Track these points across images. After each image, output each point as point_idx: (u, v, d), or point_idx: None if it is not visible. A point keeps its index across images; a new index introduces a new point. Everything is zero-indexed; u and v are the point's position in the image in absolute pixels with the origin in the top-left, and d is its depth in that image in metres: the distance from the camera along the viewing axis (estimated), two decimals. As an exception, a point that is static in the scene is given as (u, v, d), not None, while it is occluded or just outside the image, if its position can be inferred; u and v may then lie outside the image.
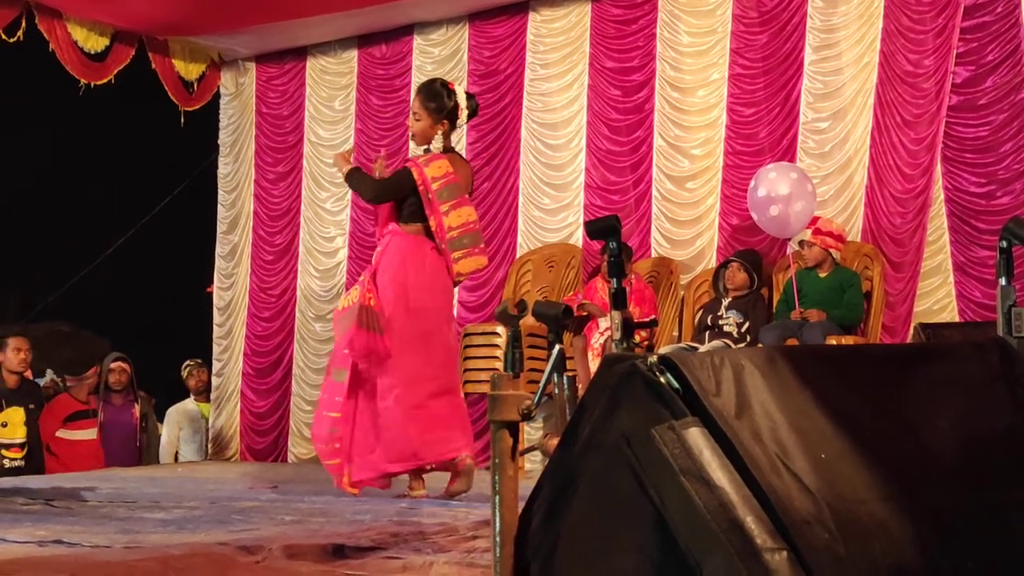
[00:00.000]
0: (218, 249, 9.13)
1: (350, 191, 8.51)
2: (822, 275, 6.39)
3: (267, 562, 3.26)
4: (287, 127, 8.91)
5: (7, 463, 7.12)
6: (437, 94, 5.19)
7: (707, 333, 6.46)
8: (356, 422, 5.08)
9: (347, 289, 5.26)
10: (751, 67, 7.12)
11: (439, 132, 5.21)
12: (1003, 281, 2.68)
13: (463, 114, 5.21)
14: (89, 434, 7.75)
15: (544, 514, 2.11)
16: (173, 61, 8.63)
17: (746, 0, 7.13)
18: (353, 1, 7.92)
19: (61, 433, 7.68)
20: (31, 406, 7.34)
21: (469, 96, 5.26)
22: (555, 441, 2.21)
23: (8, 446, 7.19)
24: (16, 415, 7.25)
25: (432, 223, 5.10)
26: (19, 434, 7.23)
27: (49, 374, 8.38)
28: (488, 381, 2.36)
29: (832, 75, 6.88)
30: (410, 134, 5.37)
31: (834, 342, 5.91)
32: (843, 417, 1.97)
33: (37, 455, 7.37)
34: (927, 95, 6.52)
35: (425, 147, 5.25)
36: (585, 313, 6.71)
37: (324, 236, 8.68)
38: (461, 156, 5.53)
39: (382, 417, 5.04)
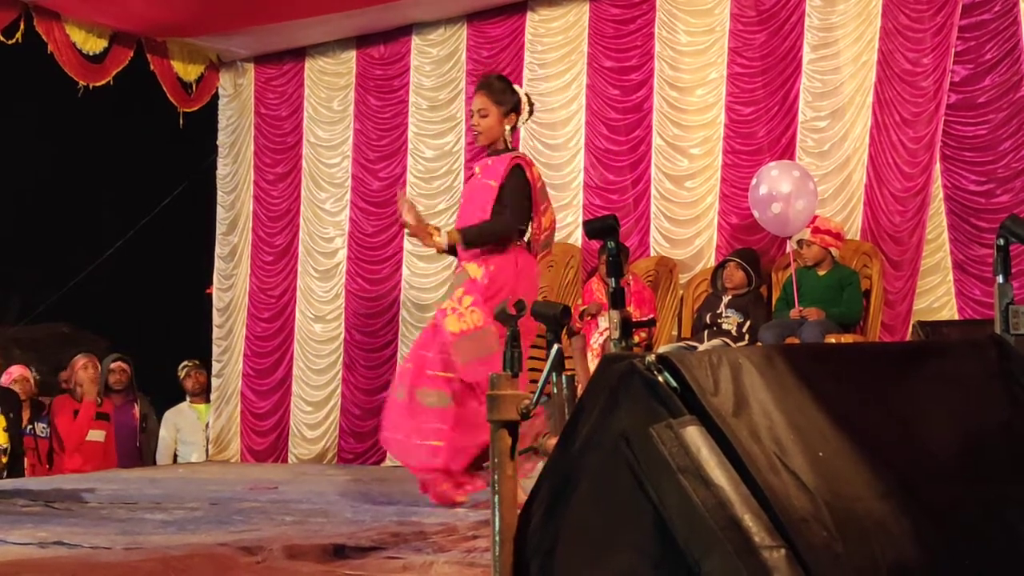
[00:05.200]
0: (217, 250, 9.13)
1: (349, 191, 8.53)
2: (821, 273, 6.39)
3: (268, 562, 3.26)
4: (286, 128, 8.91)
5: None
6: (502, 88, 4.93)
7: (706, 332, 6.46)
8: (454, 443, 4.74)
9: (453, 312, 4.77)
10: (749, 66, 7.12)
11: (507, 127, 4.90)
12: (1000, 279, 2.68)
13: (525, 111, 4.94)
14: (97, 435, 7.73)
15: (543, 513, 2.11)
16: (172, 62, 8.64)
17: (744, -1, 7.14)
18: (351, 2, 7.92)
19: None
20: (11, 415, 7.29)
21: (527, 97, 5.01)
22: (554, 440, 2.21)
23: None
24: None
25: (533, 225, 4.87)
26: None
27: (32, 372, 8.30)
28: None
29: (831, 74, 6.88)
30: (475, 135, 4.98)
31: (833, 340, 5.91)
32: (841, 415, 1.97)
33: (19, 462, 7.32)
34: (926, 93, 6.53)
35: (491, 146, 4.93)
36: (588, 317, 6.71)
37: (323, 237, 8.68)
38: None
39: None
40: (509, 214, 4.82)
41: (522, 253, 4.90)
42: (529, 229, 4.90)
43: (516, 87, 5.00)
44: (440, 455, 4.74)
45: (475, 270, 4.84)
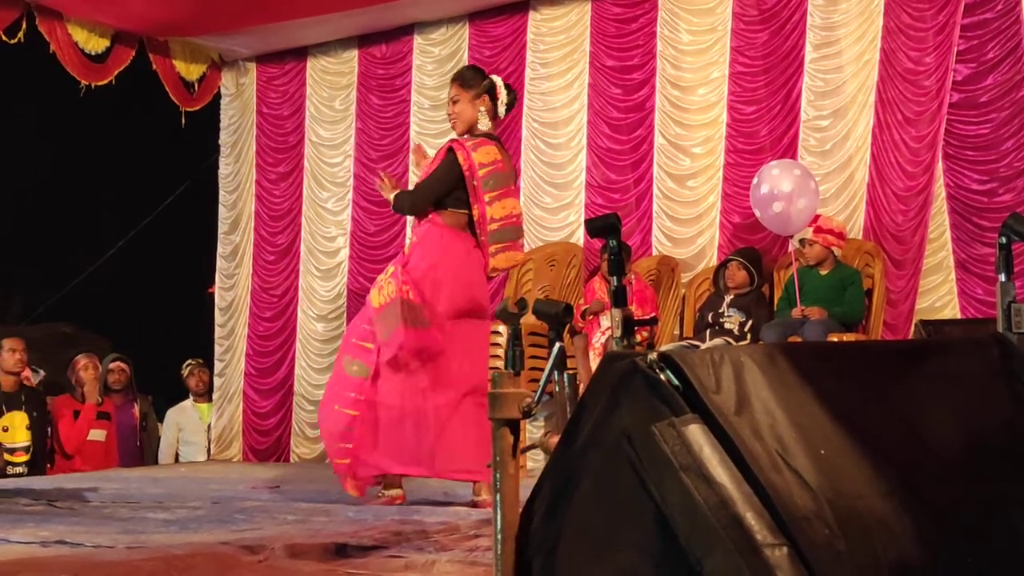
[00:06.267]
0: (219, 249, 9.14)
1: (351, 190, 8.54)
2: (823, 273, 6.39)
3: (270, 561, 3.26)
4: (288, 127, 8.91)
5: (9, 469, 7.12)
6: (471, 75, 5.04)
7: (708, 331, 6.47)
8: (367, 420, 4.82)
9: (376, 284, 4.96)
10: (752, 65, 7.12)
11: (481, 110, 4.95)
12: (1003, 277, 2.68)
13: (502, 94, 4.98)
14: (98, 435, 7.74)
15: (545, 512, 2.11)
16: (174, 62, 8.64)
17: (746, -2, 7.14)
18: (353, 1, 7.92)
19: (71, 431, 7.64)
20: (34, 414, 7.34)
21: (507, 85, 5.05)
22: (556, 439, 2.21)
23: (12, 450, 7.20)
24: (17, 419, 7.24)
25: (475, 213, 4.85)
26: (21, 438, 7.23)
27: (40, 373, 8.33)
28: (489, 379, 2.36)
29: (833, 73, 6.88)
30: (451, 124, 5.09)
31: (835, 340, 5.91)
32: (843, 413, 1.97)
33: (42, 462, 7.38)
34: (928, 92, 6.52)
35: (469, 132, 4.99)
36: (590, 316, 6.70)
37: (325, 236, 8.69)
38: (503, 147, 5.14)
39: (400, 417, 4.80)
40: (408, 198, 5.04)
41: (455, 235, 4.90)
42: (475, 213, 4.88)
43: (492, 77, 5.07)
44: (355, 427, 4.80)
45: (408, 247, 5.03)
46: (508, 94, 5.02)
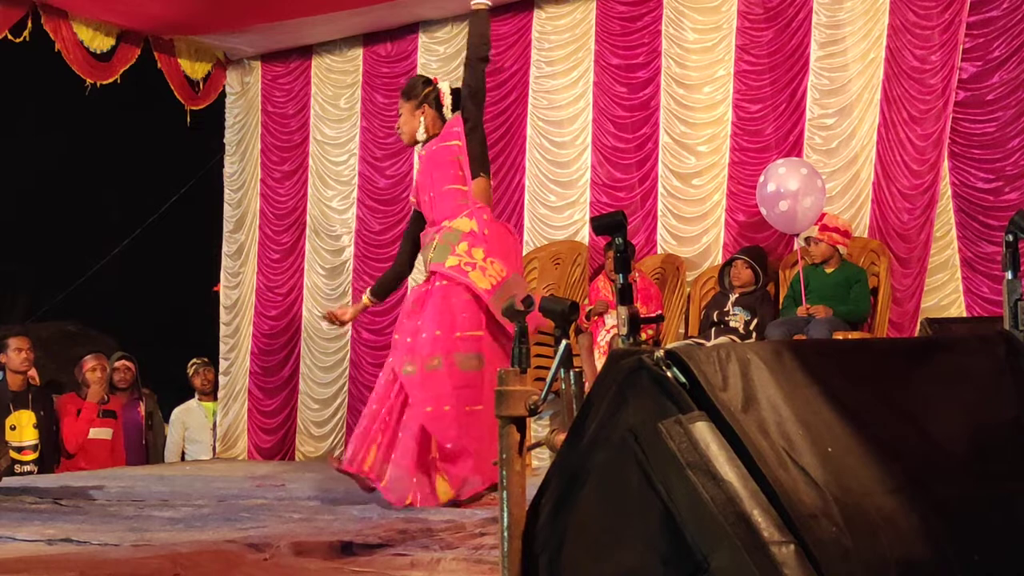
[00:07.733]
0: (224, 248, 9.14)
1: (356, 189, 8.54)
2: (829, 271, 6.38)
3: (275, 559, 3.26)
4: (293, 126, 8.91)
5: (17, 467, 7.14)
6: (411, 85, 5.20)
7: (713, 329, 6.46)
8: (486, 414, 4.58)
9: (471, 267, 4.76)
10: (757, 63, 7.11)
11: (420, 120, 5.10)
12: (1009, 275, 2.67)
13: (446, 100, 5.10)
14: (104, 433, 7.75)
15: (551, 509, 2.11)
16: (179, 60, 8.65)
17: (751, -4, 7.13)
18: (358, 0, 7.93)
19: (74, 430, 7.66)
20: (41, 413, 7.35)
21: (453, 90, 5.15)
22: (562, 437, 2.21)
23: (20, 449, 7.21)
24: (24, 418, 7.26)
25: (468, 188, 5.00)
26: (28, 437, 7.24)
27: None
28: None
29: (838, 71, 6.87)
30: (400, 137, 5.30)
31: (841, 338, 5.90)
32: (850, 411, 1.97)
33: (49, 461, 7.39)
34: (934, 91, 6.51)
35: (414, 142, 5.17)
36: (595, 316, 6.70)
37: (330, 234, 8.69)
38: None
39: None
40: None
41: (508, 230, 5.19)
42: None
43: (440, 84, 5.18)
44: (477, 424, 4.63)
45: (467, 223, 4.90)
46: (452, 96, 5.14)
